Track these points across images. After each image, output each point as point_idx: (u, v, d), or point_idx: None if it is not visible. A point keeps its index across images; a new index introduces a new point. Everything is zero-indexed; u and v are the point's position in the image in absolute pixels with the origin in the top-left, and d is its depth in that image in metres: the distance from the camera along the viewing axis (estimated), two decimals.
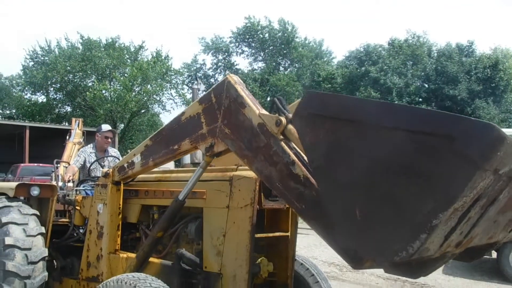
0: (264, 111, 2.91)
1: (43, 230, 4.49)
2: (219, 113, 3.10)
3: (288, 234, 3.62)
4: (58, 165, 6.18)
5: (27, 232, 4.33)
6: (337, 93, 27.66)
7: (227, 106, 3.06)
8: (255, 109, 2.91)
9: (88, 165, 5.66)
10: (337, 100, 2.16)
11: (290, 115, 2.72)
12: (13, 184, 4.72)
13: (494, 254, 7.91)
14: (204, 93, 3.46)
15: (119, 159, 5.89)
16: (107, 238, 4.03)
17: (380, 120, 1.94)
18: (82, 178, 5.53)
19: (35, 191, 4.67)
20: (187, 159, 3.87)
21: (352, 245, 2.11)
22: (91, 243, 4.19)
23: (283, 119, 2.75)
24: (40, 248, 4.35)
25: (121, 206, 4.09)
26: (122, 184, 4.08)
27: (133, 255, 3.94)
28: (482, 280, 7.81)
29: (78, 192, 4.88)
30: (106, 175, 4.09)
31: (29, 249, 4.26)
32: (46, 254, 4.40)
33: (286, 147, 2.72)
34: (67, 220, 5.18)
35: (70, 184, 5.25)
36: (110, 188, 4.04)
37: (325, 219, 2.29)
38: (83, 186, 5.15)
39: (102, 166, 5.43)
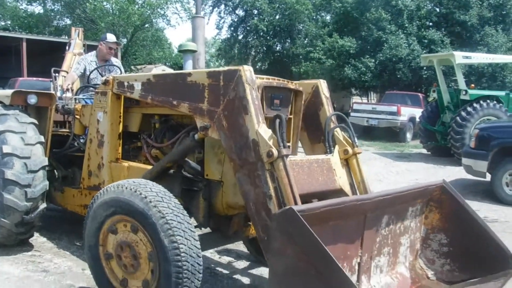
0: (263, 128, 2.84)
1: (42, 139, 4.37)
2: (223, 100, 3.05)
3: (289, 144, 3.52)
4: (57, 74, 5.95)
5: (25, 140, 4.22)
6: (347, 13, 27.17)
7: (231, 98, 3.00)
8: (255, 122, 2.86)
9: (88, 73, 5.44)
10: (310, 239, 2.16)
11: (284, 151, 2.75)
12: (9, 92, 4.53)
13: (488, 177, 8.27)
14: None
15: (121, 70, 5.69)
16: (108, 147, 3.92)
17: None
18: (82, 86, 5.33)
19: (32, 99, 4.49)
20: (189, 67, 3.66)
21: None
22: (92, 152, 4.09)
23: (275, 153, 2.73)
24: (39, 157, 4.25)
25: (121, 114, 3.94)
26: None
27: (135, 164, 3.88)
28: (474, 200, 8.03)
29: (77, 101, 4.70)
30: (106, 82, 3.90)
31: (28, 157, 4.17)
32: (46, 163, 4.31)
33: (269, 179, 2.76)
34: (67, 130, 5.06)
35: (69, 94, 5.07)
36: (110, 96, 3.87)
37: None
38: (83, 95, 4.97)
39: (102, 76, 5.21)
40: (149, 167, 3.70)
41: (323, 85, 3.79)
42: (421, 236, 3.37)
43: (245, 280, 4.08)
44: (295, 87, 3.43)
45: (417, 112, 17.68)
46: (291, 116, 3.48)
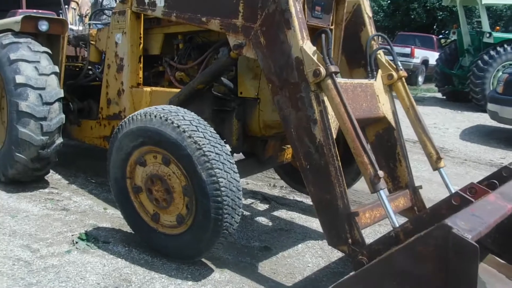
0: (308, 44, 2.52)
1: (56, 69, 4.11)
2: (260, 14, 2.70)
3: None
4: (66, 6, 5.63)
5: (39, 70, 3.96)
6: None
7: (271, 12, 2.65)
8: (299, 38, 2.53)
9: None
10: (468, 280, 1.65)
11: (333, 68, 2.47)
12: (19, 18, 4.22)
13: None
14: None
15: None
16: (128, 71, 3.65)
17: None
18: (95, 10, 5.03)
19: (43, 26, 4.19)
20: None
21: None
22: (111, 78, 3.83)
23: (323, 71, 2.43)
24: (55, 88, 4.00)
25: (141, 35, 3.66)
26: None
27: (158, 88, 3.62)
28: (498, 148, 7.81)
29: (91, 26, 4.41)
30: (123, 0, 3.59)
31: (43, 88, 3.92)
32: (62, 94, 4.07)
33: (314, 101, 2.50)
34: (80, 63, 4.79)
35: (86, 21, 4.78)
36: (129, 15, 3.57)
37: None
38: (95, 22, 4.68)
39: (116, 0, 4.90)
40: (174, 91, 3.43)
41: (365, 3, 3.43)
42: None
43: (274, 224, 3.84)
44: None
45: (430, 55, 17.15)
46: (332, 27, 3.17)
